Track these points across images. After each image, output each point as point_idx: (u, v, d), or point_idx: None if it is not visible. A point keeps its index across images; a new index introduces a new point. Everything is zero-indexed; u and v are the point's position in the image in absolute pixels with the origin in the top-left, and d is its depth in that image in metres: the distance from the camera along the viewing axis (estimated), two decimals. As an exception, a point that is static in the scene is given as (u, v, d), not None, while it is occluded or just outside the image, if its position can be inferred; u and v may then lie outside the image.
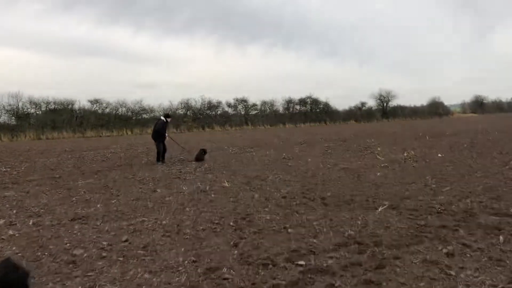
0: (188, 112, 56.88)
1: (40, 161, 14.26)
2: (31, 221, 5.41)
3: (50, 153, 18.62)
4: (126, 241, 4.33)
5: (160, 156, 12.54)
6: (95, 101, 50.98)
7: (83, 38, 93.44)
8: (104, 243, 4.28)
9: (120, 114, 53.90)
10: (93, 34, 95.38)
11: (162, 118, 12.88)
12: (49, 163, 13.53)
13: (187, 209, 5.98)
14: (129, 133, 50.94)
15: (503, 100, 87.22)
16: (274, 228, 4.68)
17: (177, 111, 55.21)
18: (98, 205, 6.45)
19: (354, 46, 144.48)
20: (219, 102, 58.70)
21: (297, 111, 64.78)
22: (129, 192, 7.68)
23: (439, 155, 11.88)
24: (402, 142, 17.84)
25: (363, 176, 8.68)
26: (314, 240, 4.13)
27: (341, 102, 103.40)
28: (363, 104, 67.55)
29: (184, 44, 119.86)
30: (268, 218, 5.19)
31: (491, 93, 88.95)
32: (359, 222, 4.77)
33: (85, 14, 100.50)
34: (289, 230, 4.56)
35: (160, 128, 12.34)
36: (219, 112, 59.58)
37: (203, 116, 57.46)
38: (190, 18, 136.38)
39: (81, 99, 53.54)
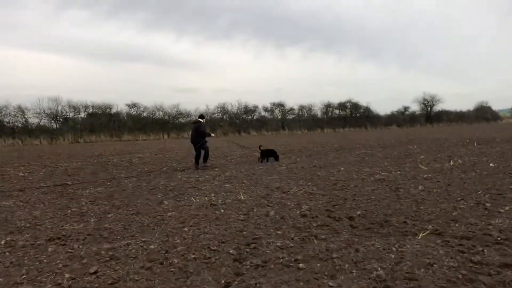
0: (225, 117, 56.55)
1: (63, 166, 14.03)
2: (3, 240, 4.75)
3: (78, 157, 18.53)
4: (94, 273, 3.54)
5: (207, 157, 12.49)
6: (133, 105, 51.79)
7: (126, 44, 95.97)
8: (67, 275, 3.51)
9: (157, 118, 54.37)
10: (135, 40, 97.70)
11: (199, 119, 12.74)
12: (71, 168, 13.23)
13: (186, 228, 5.15)
14: (166, 137, 51.42)
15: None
16: (282, 260, 3.75)
17: (214, 115, 55.08)
18: (91, 220, 5.79)
19: (396, 49, 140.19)
20: (256, 107, 58.14)
21: (336, 115, 63.09)
22: (133, 204, 7.00)
23: (491, 164, 10.46)
24: (447, 149, 16.31)
25: (402, 189, 7.54)
26: (330, 283, 3.15)
27: (383, 106, 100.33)
28: (406, 108, 65.09)
29: (224, 49, 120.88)
30: (278, 244, 4.26)
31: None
32: (392, 256, 3.74)
33: (127, 20, 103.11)
34: (301, 264, 3.60)
35: (200, 130, 12.26)
36: (255, 116, 58.88)
37: (239, 121, 56.93)
38: (230, 23, 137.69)
39: (120, 104, 54.41)
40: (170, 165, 13.76)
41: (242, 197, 7.22)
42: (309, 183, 8.74)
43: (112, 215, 6.25)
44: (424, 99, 65.03)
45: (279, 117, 59.66)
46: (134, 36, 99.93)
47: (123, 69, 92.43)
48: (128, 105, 52.29)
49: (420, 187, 7.62)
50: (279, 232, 4.85)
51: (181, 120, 55.79)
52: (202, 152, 12.45)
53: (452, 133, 31.32)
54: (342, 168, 11.11)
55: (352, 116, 61.59)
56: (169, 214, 6.15)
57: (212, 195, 7.69)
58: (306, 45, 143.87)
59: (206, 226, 5.27)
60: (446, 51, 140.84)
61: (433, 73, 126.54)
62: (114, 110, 52.00)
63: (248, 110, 57.83)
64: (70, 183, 10.10)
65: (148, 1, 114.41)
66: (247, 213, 5.99)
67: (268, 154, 13.84)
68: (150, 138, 49.45)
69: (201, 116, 13.04)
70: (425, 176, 9.05)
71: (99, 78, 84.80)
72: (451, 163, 11.09)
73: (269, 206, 6.49)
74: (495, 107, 76.67)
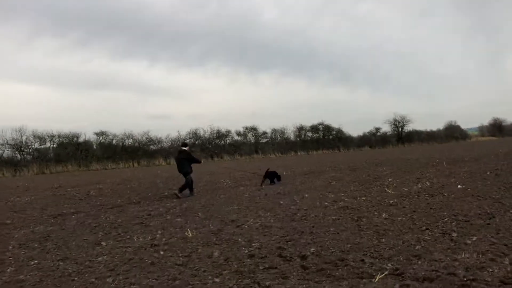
0: (197, 142, 55.69)
1: (13, 201, 12.95)
2: None
3: (35, 190, 17.37)
4: None
5: (185, 188, 12.21)
6: (101, 133, 50.37)
7: (98, 72, 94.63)
8: None
9: (126, 146, 53.03)
10: (107, 68, 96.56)
11: (184, 148, 12.82)
12: (20, 203, 12.25)
13: (111, 278, 4.37)
14: (136, 165, 50.02)
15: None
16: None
17: (185, 141, 54.18)
18: (8, 270, 5.00)
19: (366, 72, 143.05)
20: (228, 131, 57.52)
21: (309, 138, 63.11)
22: (66, 246, 6.21)
23: (459, 186, 10.06)
24: (416, 170, 16.00)
25: (364, 218, 6.96)
26: None
27: (354, 128, 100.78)
28: (377, 129, 65.72)
29: (197, 75, 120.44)
30: (210, 298, 3.53)
31: (510, 115, 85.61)
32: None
33: (99, 49, 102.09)
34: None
35: (189, 158, 12.36)
36: (228, 141, 58.24)
37: (212, 146, 56.14)
38: (203, 50, 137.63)
39: (87, 132, 52.78)
40: (128, 197, 12.87)
41: (190, 234, 6.47)
42: (268, 214, 8.08)
43: (35, 262, 5.42)
44: (395, 120, 65.97)
45: (253, 141, 59.12)
46: (106, 63, 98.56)
47: (95, 97, 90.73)
48: (96, 134, 50.78)
49: (384, 215, 7.06)
50: (217, 280, 4.14)
51: (152, 147, 54.62)
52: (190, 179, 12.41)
53: (423, 153, 31.42)
54: (306, 195, 10.51)
55: (324, 138, 61.74)
56: (100, 259, 5.35)
57: (158, 232, 6.93)
58: (278, 70, 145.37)
59: (136, 275, 4.50)
60: (415, 73, 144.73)
61: (403, 94, 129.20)
62: (82, 139, 50.38)
63: (221, 135, 57.19)
64: (9, 221, 9.12)
65: (120, 29, 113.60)
66: (188, 255, 5.25)
67: (271, 176, 14.40)
68: (120, 167, 47.96)
69: (184, 144, 13.23)
70: (390, 201, 8.53)
71: (70, 107, 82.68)
72: (419, 185, 10.66)
73: (216, 244, 5.77)
74: (464, 126, 78.58)
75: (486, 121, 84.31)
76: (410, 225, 6.21)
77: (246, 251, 5.24)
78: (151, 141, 55.03)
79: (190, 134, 56.04)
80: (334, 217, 7.24)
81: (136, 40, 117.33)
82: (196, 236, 6.40)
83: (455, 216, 6.62)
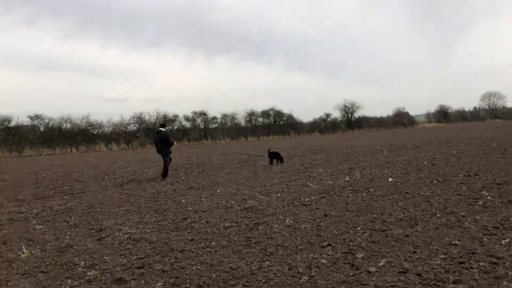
0: (141, 127, 52.92)
1: None
2: None
3: None
4: None
5: (167, 170, 12.13)
6: (36, 117, 46.47)
7: (48, 52, 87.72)
8: None
9: (64, 130, 49.47)
10: (58, 48, 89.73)
11: (162, 129, 12.59)
12: None
13: None
14: (74, 150, 46.76)
15: (466, 109, 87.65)
16: None
17: (128, 127, 51.43)
18: None
19: (322, 59, 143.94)
20: (176, 116, 54.98)
21: (259, 123, 61.82)
22: None
23: (390, 179, 8.89)
24: (354, 158, 14.91)
25: (263, 225, 5.50)
26: None
27: (311, 114, 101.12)
28: (327, 115, 65.45)
29: (153, 57, 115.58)
30: None
31: (455, 103, 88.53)
32: None
33: (49, 28, 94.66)
34: None
35: (164, 139, 12.05)
36: (176, 126, 55.81)
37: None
38: (158, 32, 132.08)
39: (21, 116, 48.48)
40: (26, 191, 10.83)
41: (24, 254, 4.71)
42: (154, 219, 6.48)
43: None
44: (345, 106, 66.03)
45: (202, 126, 57.07)
46: (57, 44, 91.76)
47: (46, 79, 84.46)
48: (31, 117, 46.76)
49: (288, 221, 5.62)
50: None
51: (92, 131, 51.32)
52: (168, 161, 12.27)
53: (368, 140, 30.87)
54: (219, 191, 9.02)
55: (275, 124, 60.70)
56: None
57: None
58: (237, 54, 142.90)
59: None
60: (368, 60, 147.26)
61: (357, 81, 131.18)
62: (13, 123, 46.23)
63: (168, 120, 54.55)
64: None
65: (70, 8, 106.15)
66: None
67: (275, 157, 14.57)
68: (56, 153, 44.56)
69: (163, 125, 13.04)
70: (306, 199, 7.15)
71: (19, 88, 76.44)
72: (347, 178, 9.40)
73: (42, 272, 4.05)
74: (412, 112, 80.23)
75: (433, 108, 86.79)
76: (312, 237, 4.79)
77: (75, 283, 3.59)
78: (91, 125, 51.70)
79: (134, 118, 53.14)
80: (227, 224, 5.73)
81: (87, 20, 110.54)
82: (34, 256, 4.65)
83: (372, 222, 5.30)
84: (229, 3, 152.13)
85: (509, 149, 13.97)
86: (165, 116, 54.88)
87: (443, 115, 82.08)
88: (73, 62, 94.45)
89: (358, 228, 5.03)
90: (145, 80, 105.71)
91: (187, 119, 55.82)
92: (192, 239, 5.04)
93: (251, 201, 7.42)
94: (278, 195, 7.83)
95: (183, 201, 8.02)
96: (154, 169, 15.20)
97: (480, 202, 5.97)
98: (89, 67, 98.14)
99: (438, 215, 5.43)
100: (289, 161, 15.13)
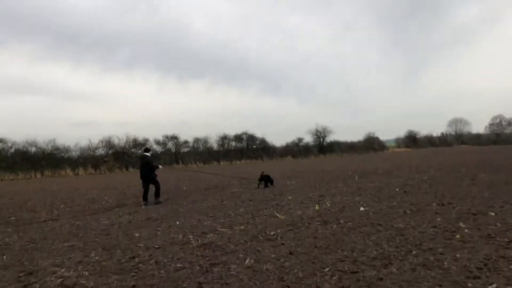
0: (110, 152, 51.35)
1: None
2: None
3: None
4: None
5: (159, 193, 12.05)
6: (-1, 141, 44.39)
7: (16, 76, 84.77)
8: None
9: (29, 154, 47.40)
10: (26, 71, 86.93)
11: (146, 154, 12.38)
12: None
13: None
14: (39, 175, 44.76)
15: (434, 135, 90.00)
16: None
17: (96, 151, 49.86)
18: None
19: (294, 84, 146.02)
20: (146, 140, 53.76)
21: (232, 147, 61.27)
22: None
23: (362, 208, 8.38)
24: (325, 184, 14.44)
25: (220, 267, 4.82)
26: None
27: (283, 138, 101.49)
28: (300, 140, 65.65)
29: (125, 81, 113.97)
30: None
31: (423, 128, 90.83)
32: None
33: (17, 50, 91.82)
34: None
35: (150, 164, 11.89)
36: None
37: (127, 155, 52.07)
38: (131, 56, 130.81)
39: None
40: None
41: None
42: (99, 257, 5.67)
43: None
44: (317, 131, 66.50)
45: (173, 150, 55.98)
46: (24, 67, 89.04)
47: (12, 103, 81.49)
48: (-9, 141, 44.68)
49: (248, 260, 4.98)
50: None
51: (59, 156, 49.38)
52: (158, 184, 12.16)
53: (340, 165, 30.70)
54: (178, 222, 8.28)
55: (248, 148, 60.30)
56: None
57: None
58: (209, 78, 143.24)
59: None
60: (339, 86, 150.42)
61: (328, 106, 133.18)
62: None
63: (138, 144, 53.28)
64: None
65: (41, 31, 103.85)
66: None
67: (266, 180, 14.84)
68: (19, 178, 42.49)
69: (147, 150, 12.77)
70: (272, 233, 6.51)
71: None
72: (317, 207, 8.85)
73: None
74: (382, 137, 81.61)
75: (402, 133, 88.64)
76: (273, 282, 4.16)
77: None
78: (57, 149, 49.84)
79: (103, 142, 51.63)
80: (179, 265, 5.02)
81: (58, 43, 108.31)
82: None
83: (342, 261, 4.71)
84: (203, 29, 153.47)
85: (478, 176, 13.84)
86: (135, 140, 53.62)
87: (412, 140, 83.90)
88: (41, 85, 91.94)
89: (326, 270, 4.43)
90: (117, 104, 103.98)
91: (158, 143, 54.74)
92: (134, 286, 4.30)
93: (211, 235, 6.72)
94: (242, 227, 7.17)
95: (137, 235, 7.24)
96: (116, 197, 14.28)
97: (457, 236, 5.49)
98: (58, 90, 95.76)
99: (414, 252, 4.90)
100: (258, 189, 14.50)
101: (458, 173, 15.71)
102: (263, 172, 15.49)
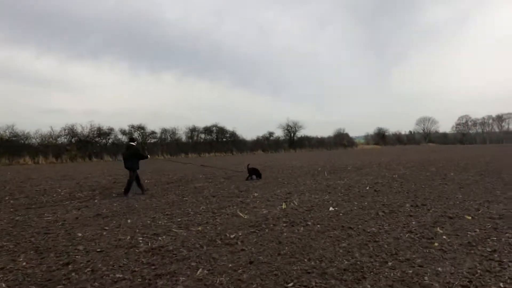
0: (73, 140, 49.26)
1: None
2: None
3: None
4: None
5: (130, 186, 11.33)
6: None
7: None
8: None
9: (-17, 141, 44.79)
10: None
11: (132, 143, 11.88)
12: None
13: None
14: (-6, 163, 42.33)
15: (402, 133, 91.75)
16: None
17: (58, 139, 47.70)
18: None
19: (267, 79, 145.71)
20: (111, 129, 51.77)
21: (201, 140, 60.05)
22: None
23: (331, 208, 7.80)
24: (293, 180, 13.85)
25: (166, 276, 4.07)
26: None
27: (254, 132, 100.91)
28: (271, 134, 65.10)
29: (95, 69, 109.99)
30: None
31: (392, 126, 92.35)
32: None
33: None
34: None
35: (136, 154, 11.45)
36: (111, 140, 52.60)
37: (91, 145, 50.09)
38: (100, 43, 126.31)
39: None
40: None
41: None
42: (27, 262, 4.79)
43: None
44: (288, 125, 66.21)
45: (140, 140, 54.22)
46: None
47: None
48: None
49: (200, 271, 4.25)
50: None
51: (17, 143, 46.85)
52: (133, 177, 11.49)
53: (310, 160, 30.33)
54: (129, 220, 7.45)
55: (218, 141, 59.28)
56: None
57: None
58: (181, 69, 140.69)
59: None
60: (311, 82, 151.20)
61: (299, 101, 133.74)
62: None
63: (102, 133, 51.33)
64: None
65: (3, 13, 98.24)
66: None
67: (254, 172, 14.91)
68: (-28, 165, 40.03)
69: (132, 139, 12.22)
70: (232, 235, 5.81)
71: None
72: (283, 206, 8.21)
73: None
74: (352, 134, 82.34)
75: (371, 130, 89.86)
76: (226, 301, 3.42)
77: None
78: (16, 136, 47.28)
79: (65, 130, 49.37)
80: (119, 275, 4.23)
81: (22, 26, 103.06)
82: None
83: (308, 273, 4.07)
84: (177, 18, 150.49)
85: (448, 175, 13.61)
86: (99, 129, 51.70)
87: (381, 137, 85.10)
88: (4, 70, 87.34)
89: (289, 285, 3.76)
90: (86, 92, 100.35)
91: (123, 132, 52.85)
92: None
93: (163, 237, 5.95)
94: (200, 228, 6.42)
95: (79, 235, 6.37)
96: (71, 189, 13.22)
97: (436, 244, 4.95)
98: (21, 76, 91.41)
99: (389, 263, 4.30)
100: (224, 183, 13.76)
101: (428, 171, 15.50)
102: (248, 165, 15.57)
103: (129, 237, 6.01)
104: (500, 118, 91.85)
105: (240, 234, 5.93)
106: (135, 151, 11.55)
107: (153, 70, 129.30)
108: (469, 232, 5.49)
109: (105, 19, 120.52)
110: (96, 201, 10.40)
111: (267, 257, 4.70)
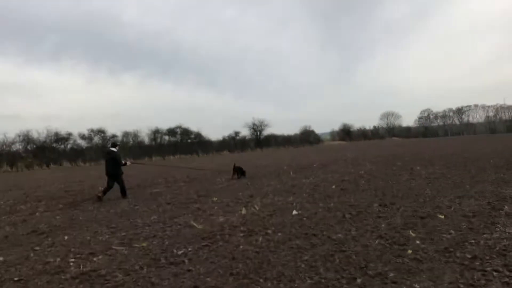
0: (28, 147, 46.74)
1: None
2: None
3: None
4: None
5: (125, 189, 11.42)
6: None
7: None
8: None
9: None
10: None
11: (113, 149, 11.51)
12: None
13: None
14: None
15: (367, 128, 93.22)
16: None
17: (13, 146, 45.17)
18: None
19: (231, 78, 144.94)
20: (70, 134, 49.53)
21: (165, 142, 58.54)
22: None
23: (294, 212, 7.15)
24: (258, 181, 13.19)
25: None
26: None
27: (220, 132, 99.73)
28: (237, 133, 64.40)
29: (52, 73, 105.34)
30: None
31: (357, 122, 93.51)
32: None
33: None
34: None
35: (116, 160, 11.23)
36: (69, 145, 50.30)
37: (48, 151, 47.69)
38: (58, 46, 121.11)
39: None
40: None
41: None
42: None
43: None
44: (254, 124, 65.73)
45: (100, 145, 52.23)
46: None
47: None
48: None
49: (131, 305, 3.39)
50: None
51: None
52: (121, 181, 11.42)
53: (276, 158, 29.80)
54: (66, 237, 6.49)
55: (182, 142, 57.95)
56: None
57: None
58: (143, 71, 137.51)
59: None
60: (276, 80, 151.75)
61: (265, 100, 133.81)
62: None
63: (60, 138, 49.03)
64: None
65: None
66: None
67: (239, 171, 14.97)
68: None
69: (114, 145, 11.83)
70: (181, 251, 5.01)
71: None
72: (243, 211, 7.48)
73: None
74: (318, 131, 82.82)
75: (337, 126, 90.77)
76: None
77: None
78: (-38, 143, 44.41)
79: (20, 137, 46.77)
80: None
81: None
82: None
83: (263, 298, 3.30)
84: (134, 19, 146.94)
85: (415, 169, 13.31)
86: (57, 134, 49.35)
87: (346, 133, 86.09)
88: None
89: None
90: (43, 96, 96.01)
91: (82, 137, 50.74)
92: None
93: (100, 257, 5.08)
94: (144, 244, 5.59)
95: (1, 259, 5.39)
96: (14, 200, 12.05)
97: (409, 251, 4.36)
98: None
99: (359, 280, 3.66)
100: (183, 188, 12.90)
101: (394, 166, 15.21)
102: (235, 164, 15.58)
103: (59, 259, 5.11)
104: (460, 111, 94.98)
105: (189, 249, 5.15)
106: (116, 156, 11.31)
107: (113, 72, 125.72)
108: (444, 235, 4.94)
109: (62, 20, 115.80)
110: (37, 214, 9.35)
111: (216, 279, 3.95)
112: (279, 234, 5.63)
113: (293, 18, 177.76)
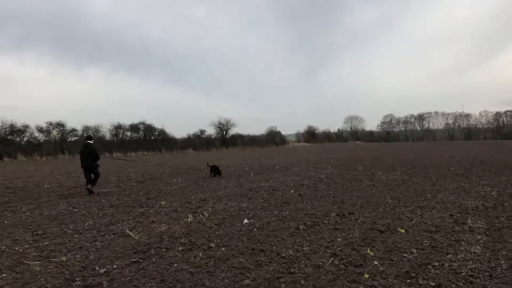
0: (-19, 138, 43.86)
1: None
2: None
3: None
4: None
5: (96, 181, 11.27)
6: None
7: None
8: None
9: None
10: None
11: (89, 141, 11.43)
12: None
13: None
14: None
15: (331, 130, 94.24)
16: None
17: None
18: None
19: (199, 76, 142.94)
20: (26, 126, 46.86)
21: (128, 138, 56.61)
22: None
23: (246, 220, 6.49)
24: (215, 183, 12.46)
25: None
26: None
27: (185, 130, 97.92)
28: (202, 132, 63.20)
29: (14, 63, 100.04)
30: None
31: (322, 124, 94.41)
32: None
33: None
34: None
35: (94, 153, 11.16)
36: (26, 138, 47.65)
37: (2, 143, 44.97)
38: (21, 36, 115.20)
39: None
40: None
41: None
42: None
43: None
44: (220, 123, 64.78)
45: (58, 139, 49.83)
46: None
47: None
48: None
49: None
50: None
51: None
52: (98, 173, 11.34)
53: (240, 158, 29.13)
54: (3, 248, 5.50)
55: (145, 139, 56.21)
56: None
57: None
58: (109, 65, 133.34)
59: None
60: (244, 80, 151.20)
61: (232, 99, 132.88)
62: None
63: (16, 130, 46.33)
64: None
65: None
66: None
67: (215, 170, 14.91)
68: None
69: (90, 138, 11.75)
70: (104, 269, 4.24)
71: None
72: (190, 219, 6.74)
73: None
74: (284, 132, 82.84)
75: (302, 128, 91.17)
76: None
77: None
78: None
79: (-31, 129, 43.82)
80: None
81: None
82: None
83: None
84: (102, 11, 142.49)
85: (376, 174, 12.98)
86: (12, 126, 46.67)
87: (311, 135, 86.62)
88: None
89: None
90: (3, 86, 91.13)
91: (40, 130, 48.18)
92: None
93: (4, 275, 4.22)
94: (64, 258, 4.76)
95: None
96: None
97: (366, 276, 3.77)
98: None
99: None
100: (134, 188, 11.99)
101: (356, 171, 14.87)
102: (208, 163, 15.98)
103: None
104: (421, 117, 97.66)
105: (114, 266, 4.38)
106: (92, 149, 11.23)
107: (79, 65, 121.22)
108: (405, 255, 4.40)
109: (25, 9, 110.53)
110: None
111: (133, 311, 3.20)
112: (223, 249, 4.94)
113: (262, 19, 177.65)
